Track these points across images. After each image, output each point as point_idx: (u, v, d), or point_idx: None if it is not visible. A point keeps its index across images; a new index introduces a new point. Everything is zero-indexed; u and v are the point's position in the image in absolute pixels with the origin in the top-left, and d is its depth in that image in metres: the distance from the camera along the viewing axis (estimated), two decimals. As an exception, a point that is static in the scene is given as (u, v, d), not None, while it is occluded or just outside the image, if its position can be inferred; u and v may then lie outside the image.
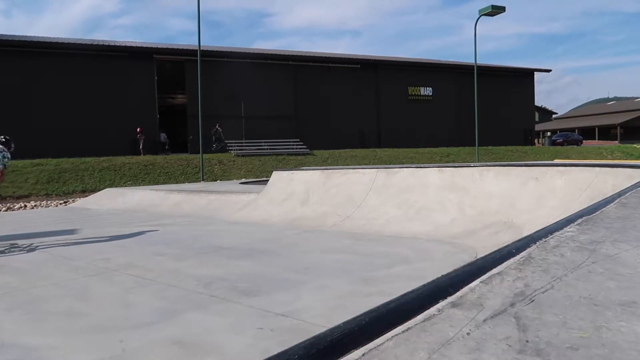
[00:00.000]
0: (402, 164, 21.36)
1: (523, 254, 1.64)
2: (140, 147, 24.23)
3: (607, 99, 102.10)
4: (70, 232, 7.60)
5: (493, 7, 21.89)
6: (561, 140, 40.29)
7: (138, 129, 24.37)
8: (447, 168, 7.15)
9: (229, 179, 20.04)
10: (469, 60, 24.67)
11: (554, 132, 53.10)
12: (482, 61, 37.09)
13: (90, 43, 25.38)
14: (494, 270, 1.44)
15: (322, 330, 0.97)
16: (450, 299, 1.20)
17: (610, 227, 2.01)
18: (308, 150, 25.73)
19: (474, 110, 24.57)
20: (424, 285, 1.26)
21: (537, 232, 2.13)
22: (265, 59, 28.73)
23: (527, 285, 1.29)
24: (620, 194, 3.12)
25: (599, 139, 51.74)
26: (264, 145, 25.64)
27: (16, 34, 29.84)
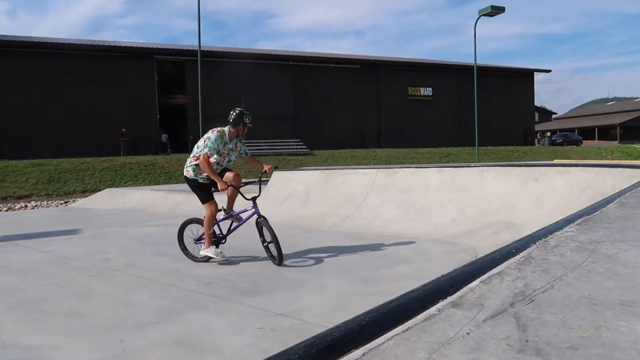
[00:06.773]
0: (402, 164, 21.35)
1: (523, 253, 1.64)
2: None
3: (607, 99, 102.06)
4: (71, 232, 7.60)
5: (492, 7, 21.86)
6: (561, 140, 40.25)
7: None
8: (447, 168, 7.16)
9: (229, 179, 20.00)
10: (472, 60, 24.62)
11: (553, 132, 53.05)
12: (486, 61, 37.09)
13: (91, 44, 25.35)
14: (494, 270, 1.44)
15: (322, 330, 0.97)
16: (450, 298, 1.20)
17: (610, 227, 2.02)
18: (308, 150, 25.72)
19: (474, 111, 24.55)
20: (424, 285, 1.27)
21: (537, 232, 2.13)
22: (266, 59, 28.73)
23: (527, 285, 1.30)
24: (619, 194, 3.12)
25: (598, 139, 51.68)
26: (264, 146, 25.62)
27: (20, 34, 29.86)
